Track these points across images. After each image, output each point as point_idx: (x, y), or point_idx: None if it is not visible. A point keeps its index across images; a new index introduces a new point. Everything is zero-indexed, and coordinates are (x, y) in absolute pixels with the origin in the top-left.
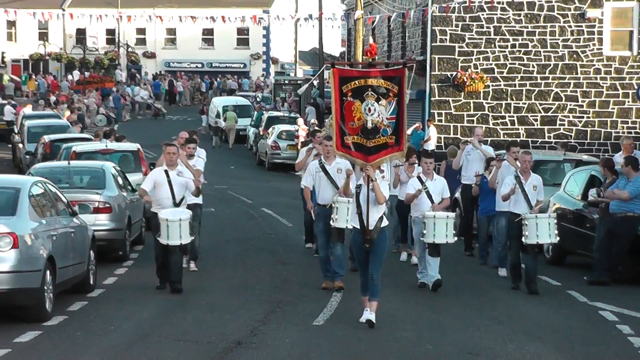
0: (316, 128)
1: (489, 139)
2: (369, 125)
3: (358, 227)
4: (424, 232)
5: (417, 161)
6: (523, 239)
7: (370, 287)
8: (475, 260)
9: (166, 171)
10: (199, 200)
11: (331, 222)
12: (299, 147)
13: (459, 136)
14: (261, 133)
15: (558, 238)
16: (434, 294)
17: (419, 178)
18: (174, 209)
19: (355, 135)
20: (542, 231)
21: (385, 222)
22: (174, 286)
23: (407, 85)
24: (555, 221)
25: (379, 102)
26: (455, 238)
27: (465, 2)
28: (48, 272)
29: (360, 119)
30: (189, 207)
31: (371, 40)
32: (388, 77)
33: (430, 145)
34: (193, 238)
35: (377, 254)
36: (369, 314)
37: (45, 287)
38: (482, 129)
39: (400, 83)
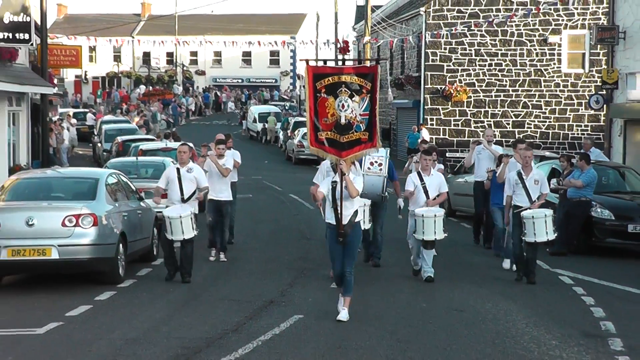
0: None
1: (471, 139)
2: (342, 121)
3: (333, 222)
4: (416, 228)
5: (436, 158)
6: (522, 236)
7: (343, 283)
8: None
9: (178, 169)
10: (229, 197)
11: None
12: None
13: (447, 137)
14: (289, 135)
15: (556, 234)
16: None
17: (418, 174)
18: (177, 206)
19: (328, 131)
20: (539, 230)
21: (359, 217)
22: (183, 278)
23: (379, 82)
24: (552, 218)
25: (352, 99)
26: (445, 234)
27: (452, 30)
28: (121, 245)
29: (334, 115)
30: (220, 204)
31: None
32: (361, 74)
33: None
34: (196, 234)
35: (350, 250)
36: (342, 313)
37: (119, 257)
38: (492, 130)
39: (373, 80)
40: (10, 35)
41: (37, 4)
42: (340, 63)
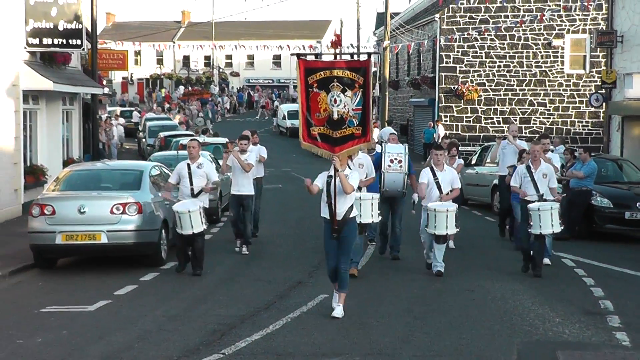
0: None
1: (482, 134)
2: (335, 116)
3: (327, 217)
4: (428, 223)
5: (456, 153)
6: (528, 228)
7: (338, 279)
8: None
9: (188, 164)
10: (250, 192)
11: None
12: None
13: (460, 132)
14: None
15: (562, 227)
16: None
17: (431, 169)
18: (187, 201)
19: (321, 127)
20: (545, 222)
21: (354, 213)
22: (194, 271)
23: (372, 76)
24: (558, 211)
25: (345, 93)
26: (458, 229)
27: (464, 35)
28: (163, 231)
29: (326, 110)
30: (241, 198)
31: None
32: (353, 68)
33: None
34: (205, 228)
35: (345, 245)
36: (337, 310)
37: (161, 241)
38: (516, 125)
39: (366, 74)
40: (64, 41)
41: (88, 13)
42: (332, 57)
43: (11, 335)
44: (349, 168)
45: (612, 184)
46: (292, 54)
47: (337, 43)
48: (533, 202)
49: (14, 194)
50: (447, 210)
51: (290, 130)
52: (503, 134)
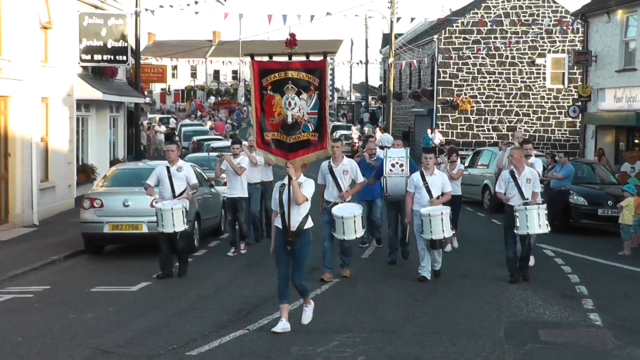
0: (370, 134)
1: (474, 140)
2: (289, 120)
3: (280, 227)
4: (422, 228)
5: (457, 159)
6: (515, 230)
7: (298, 292)
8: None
9: (168, 167)
10: (243, 194)
11: (332, 232)
12: (354, 142)
13: (454, 138)
14: (342, 138)
15: (549, 228)
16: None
17: (420, 173)
18: (170, 200)
19: (275, 132)
20: (532, 222)
21: (309, 224)
22: (179, 271)
23: (328, 78)
24: (545, 211)
25: (300, 96)
26: (454, 231)
27: (459, 53)
28: (196, 222)
29: (281, 114)
30: (234, 200)
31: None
32: (309, 70)
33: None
34: (186, 228)
35: (299, 259)
36: (306, 314)
37: (194, 231)
38: (522, 131)
39: (322, 76)
40: (112, 57)
41: (132, 33)
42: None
43: (66, 310)
44: (304, 176)
45: (587, 185)
46: (245, 54)
47: (292, 42)
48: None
49: (67, 189)
50: (442, 213)
51: None
52: (508, 141)
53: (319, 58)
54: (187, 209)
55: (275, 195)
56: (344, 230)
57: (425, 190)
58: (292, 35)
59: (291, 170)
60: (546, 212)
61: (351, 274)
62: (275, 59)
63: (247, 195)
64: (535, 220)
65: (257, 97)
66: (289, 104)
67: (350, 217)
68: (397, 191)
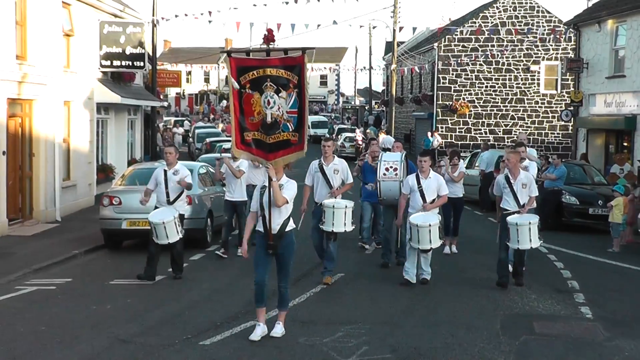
0: (372, 137)
1: (472, 143)
2: (269, 119)
3: (262, 230)
4: (411, 237)
5: (458, 162)
6: (507, 241)
7: (278, 297)
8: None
9: (165, 171)
10: (242, 197)
11: (320, 225)
12: (358, 144)
13: (453, 141)
14: (334, 138)
15: (540, 242)
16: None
17: (416, 176)
18: (161, 210)
19: (255, 131)
20: (523, 237)
21: (291, 226)
22: (175, 275)
23: (308, 76)
24: (537, 226)
25: (279, 94)
26: (442, 240)
27: (458, 60)
28: (209, 219)
29: (260, 113)
30: (234, 204)
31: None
32: (288, 66)
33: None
34: (181, 237)
35: (283, 262)
36: (277, 328)
37: (207, 228)
38: (525, 134)
39: (300, 73)
40: (130, 63)
41: (149, 40)
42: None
43: (86, 302)
44: (286, 177)
45: (578, 185)
46: (221, 52)
47: (269, 38)
48: (512, 212)
49: (88, 188)
50: (430, 225)
51: (313, 137)
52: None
53: (298, 54)
54: (183, 214)
55: (256, 197)
56: (333, 222)
57: (419, 194)
58: (269, 30)
59: (271, 171)
60: (539, 224)
61: (332, 280)
62: (252, 55)
63: (246, 199)
64: (526, 236)
65: (236, 96)
66: (268, 102)
67: (341, 208)
68: (391, 195)
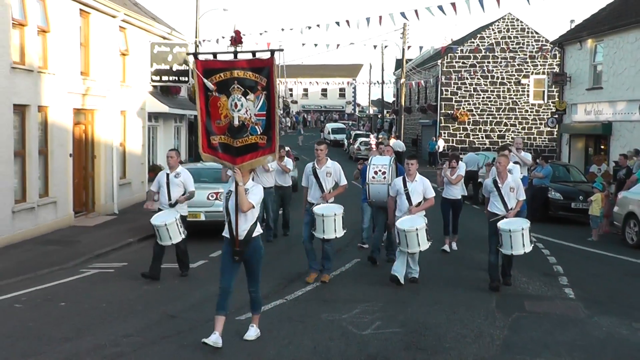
0: (381, 140)
1: (470, 147)
2: (236, 122)
3: (227, 236)
4: (399, 240)
5: (457, 165)
6: (498, 247)
7: (250, 302)
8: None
9: (167, 174)
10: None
11: (312, 231)
12: (372, 147)
13: (454, 145)
14: (351, 142)
15: (532, 246)
16: (435, 243)
17: (403, 179)
18: (163, 212)
19: (222, 135)
20: (516, 244)
21: (258, 231)
22: (182, 272)
23: (277, 78)
24: (529, 231)
25: (247, 97)
26: (430, 242)
27: (459, 75)
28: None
29: (227, 117)
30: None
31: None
32: (256, 69)
33: (439, 149)
34: (183, 237)
35: (251, 268)
36: (250, 331)
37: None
38: (521, 138)
39: (269, 75)
40: (176, 78)
41: (192, 58)
42: (232, 56)
43: (139, 283)
44: (252, 181)
45: (562, 183)
46: (188, 54)
47: (237, 40)
48: (501, 217)
49: (141, 185)
50: (417, 229)
51: (333, 142)
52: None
53: (267, 56)
54: (183, 218)
55: (222, 202)
56: (323, 229)
57: (406, 196)
58: (237, 32)
59: (237, 175)
60: (530, 228)
61: (330, 278)
62: (220, 57)
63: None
64: (519, 242)
65: (202, 99)
66: (235, 105)
67: (330, 216)
68: (380, 197)
